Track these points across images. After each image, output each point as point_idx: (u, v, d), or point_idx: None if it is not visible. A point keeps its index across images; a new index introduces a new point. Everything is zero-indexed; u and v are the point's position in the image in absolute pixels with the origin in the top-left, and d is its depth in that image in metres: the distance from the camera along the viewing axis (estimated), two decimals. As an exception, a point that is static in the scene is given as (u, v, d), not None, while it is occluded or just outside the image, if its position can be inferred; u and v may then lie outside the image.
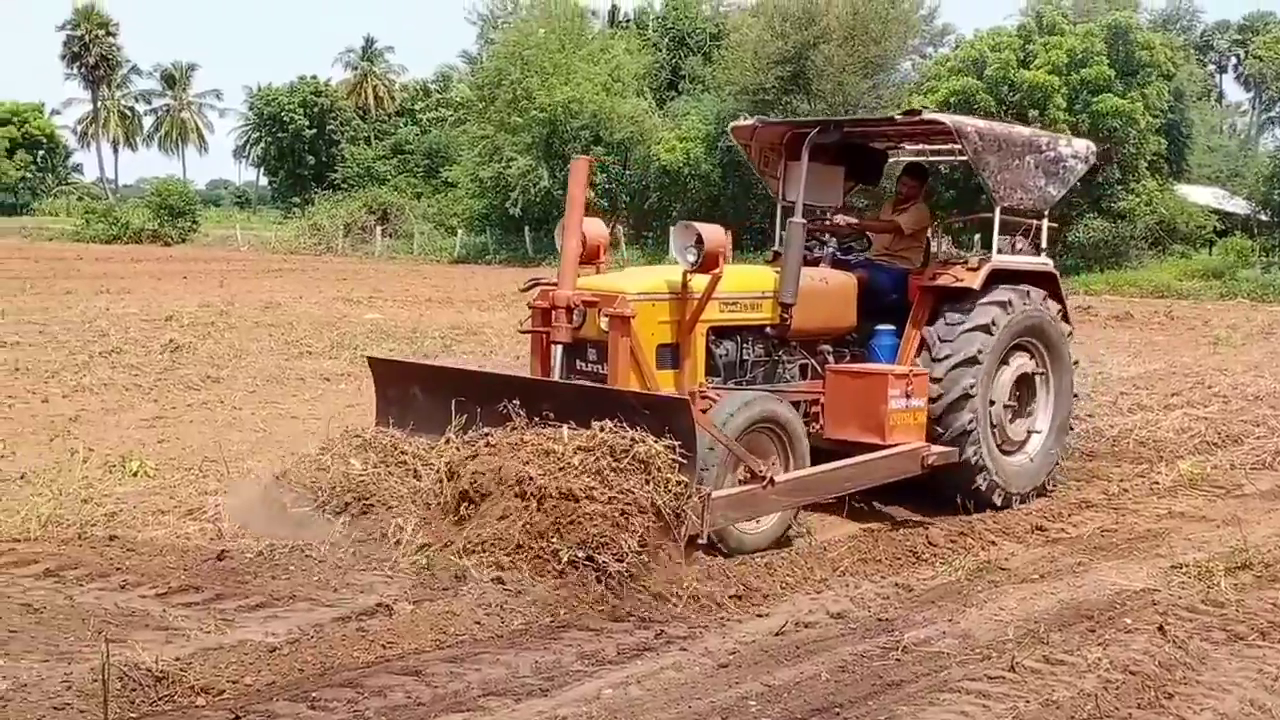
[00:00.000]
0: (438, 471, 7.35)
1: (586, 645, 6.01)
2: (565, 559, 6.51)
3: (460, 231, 57.74)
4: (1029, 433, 9.82)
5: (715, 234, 8.09)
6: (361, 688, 5.38)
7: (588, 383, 8.06)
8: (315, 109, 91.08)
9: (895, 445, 8.63)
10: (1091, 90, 42.27)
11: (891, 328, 9.43)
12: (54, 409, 12.20)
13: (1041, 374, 9.87)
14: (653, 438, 6.93)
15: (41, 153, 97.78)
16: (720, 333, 8.70)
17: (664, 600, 6.61)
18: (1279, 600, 7.14)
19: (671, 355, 8.32)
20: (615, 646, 6.02)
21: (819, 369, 9.17)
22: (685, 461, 6.94)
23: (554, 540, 6.57)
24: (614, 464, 6.79)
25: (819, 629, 6.50)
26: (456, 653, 5.82)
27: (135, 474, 9.16)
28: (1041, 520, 9.14)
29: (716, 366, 8.67)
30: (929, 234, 10.35)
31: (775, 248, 10.07)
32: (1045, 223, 10.06)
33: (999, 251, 9.62)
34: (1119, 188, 44.58)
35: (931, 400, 8.96)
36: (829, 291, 9.28)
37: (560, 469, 6.76)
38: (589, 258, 8.75)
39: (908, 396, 8.74)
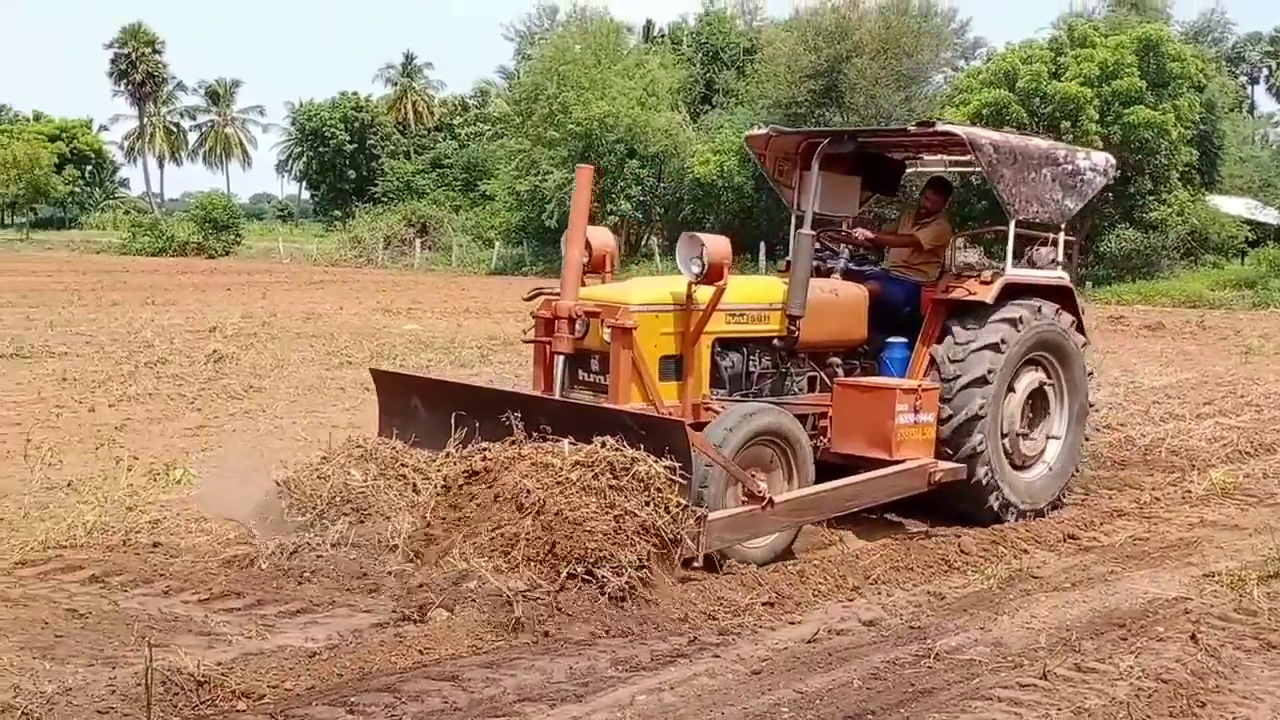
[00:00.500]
0: (435, 485, 7.23)
1: (621, 651, 6.00)
2: (564, 572, 6.36)
3: (497, 244, 57.90)
4: (1043, 448, 9.62)
5: (719, 245, 7.96)
6: (399, 693, 5.39)
7: (587, 400, 7.95)
8: (356, 124, 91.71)
9: (903, 460, 8.43)
10: (1123, 102, 41.96)
11: (903, 341, 9.25)
12: (100, 418, 12.30)
13: (1055, 388, 9.65)
14: (653, 457, 6.78)
15: (89, 168, 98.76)
16: (726, 344, 8.55)
17: (664, 618, 6.46)
18: (1312, 609, 7.07)
19: (675, 367, 8.18)
20: (649, 653, 6.01)
21: (828, 381, 9.00)
22: (684, 483, 6.81)
23: (552, 553, 6.42)
24: (613, 481, 6.64)
25: (851, 636, 6.46)
26: (492, 659, 5.81)
27: (179, 482, 9.21)
28: (1074, 529, 9.05)
29: (722, 378, 8.52)
30: (948, 249, 10.13)
31: (788, 258, 9.96)
32: (1063, 236, 9.86)
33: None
34: (1151, 199, 44.28)
35: (941, 421, 8.76)
36: (838, 303, 9.12)
37: (557, 483, 6.61)
38: (596, 267, 8.64)
39: (916, 411, 8.49)
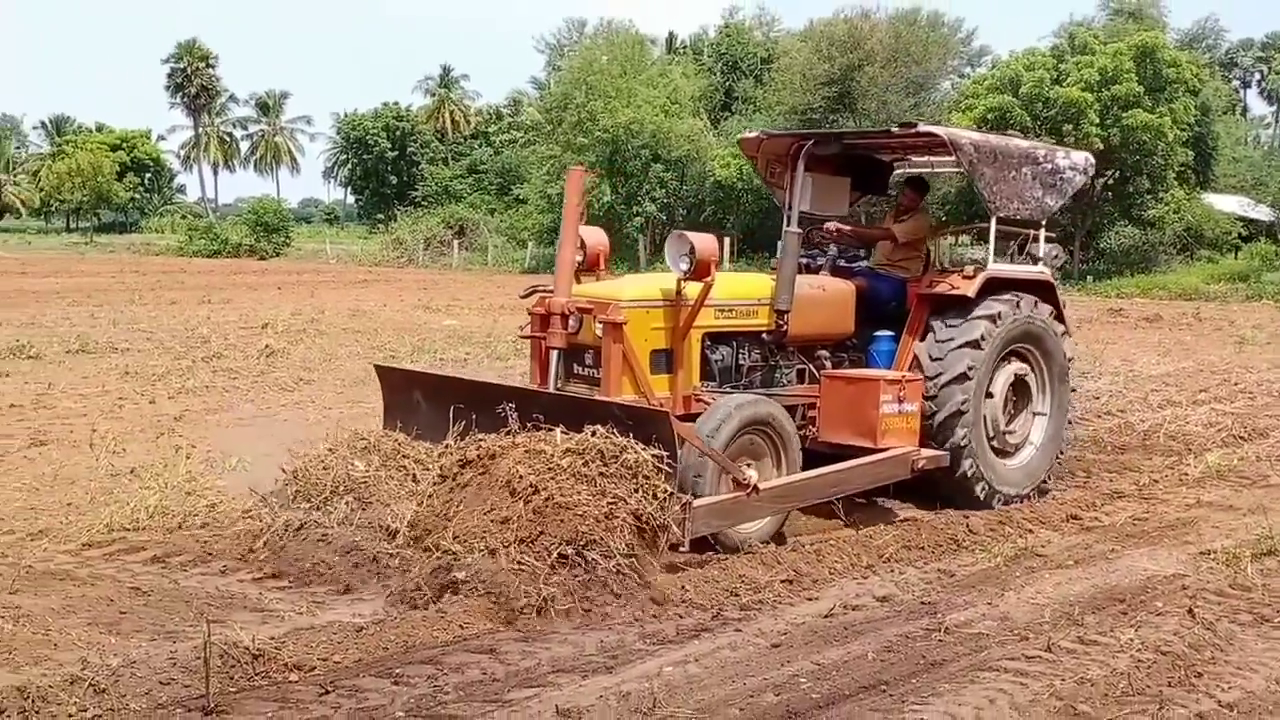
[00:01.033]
0: (433, 474, 7.13)
1: (648, 626, 6.02)
2: (554, 554, 6.20)
3: (530, 244, 57.87)
4: (1027, 435, 9.51)
5: (707, 243, 7.89)
6: (441, 665, 5.41)
7: (581, 392, 7.85)
8: (397, 133, 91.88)
9: (887, 449, 8.28)
10: (1122, 106, 41.76)
11: (890, 334, 9.16)
12: (160, 409, 12.37)
13: (1036, 377, 9.52)
14: (641, 445, 6.66)
15: (149, 175, 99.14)
16: (716, 338, 8.44)
17: (653, 602, 6.31)
18: (1303, 585, 7.02)
19: (666, 360, 8.06)
20: (675, 627, 6.02)
21: (816, 374, 8.89)
22: (670, 470, 6.69)
23: (544, 535, 6.26)
24: (603, 468, 6.51)
25: (866, 611, 6.46)
26: (528, 633, 5.83)
27: (234, 468, 9.25)
28: (1076, 509, 9.01)
29: (713, 371, 8.40)
30: (928, 243, 9.99)
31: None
32: (1043, 232, 9.68)
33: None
34: (1149, 197, 44.17)
35: (926, 417, 8.66)
36: (826, 299, 9.02)
37: (549, 469, 6.48)
38: (590, 265, 8.57)
39: (900, 401, 8.38)
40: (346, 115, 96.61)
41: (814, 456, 8.22)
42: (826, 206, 9.63)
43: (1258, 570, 7.24)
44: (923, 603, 6.63)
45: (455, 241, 60.50)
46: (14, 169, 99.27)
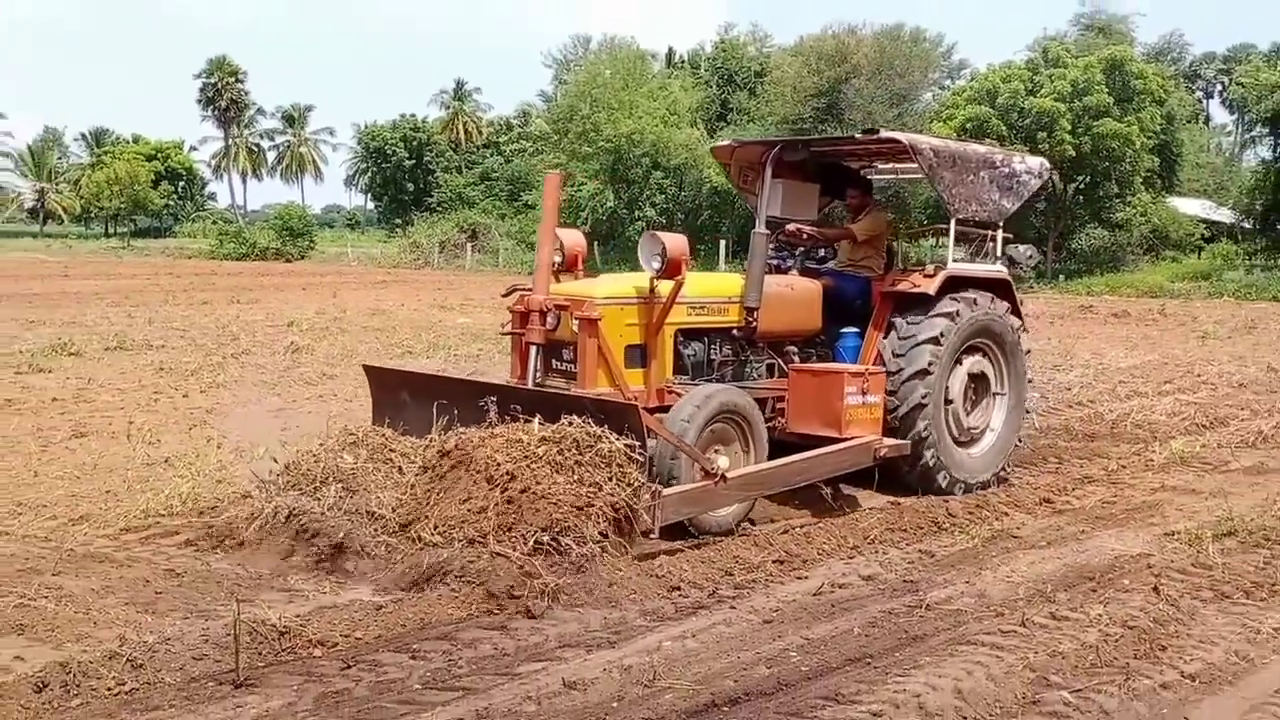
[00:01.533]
0: (417, 466, 7.04)
1: (647, 604, 6.02)
2: (530, 541, 6.10)
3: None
4: (987, 424, 9.40)
5: (678, 243, 7.82)
6: (455, 640, 5.42)
7: (559, 386, 7.76)
8: (414, 143, 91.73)
9: (852, 438, 8.18)
10: (1092, 115, 41.71)
11: (856, 330, 9.06)
12: (193, 402, 12.38)
13: (995, 370, 9.42)
14: (615, 434, 6.60)
15: (181, 183, 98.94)
16: (689, 334, 8.33)
17: (620, 588, 6.17)
18: (1261, 563, 7.02)
19: (640, 355, 7.95)
20: (673, 605, 6.02)
21: (785, 368, 8.77)
22: (641, 460, 6.62)
23: (519, 522, 6.18)
24: (579, 457, 6.44)
25: (852, 589, 6.46)
26: (535, 612, 5.82)
27: (262, 458, 9.25)
28: (1049, 494, 9.00)
29: (686, 366, 8.29)
30: (888, 242, 9.86)
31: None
32: (1000, 233, 9.58)
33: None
34: (1117, 201, 44.19)
35: (889, 411, 8.57)
36: (794, 297, 8.93)
37: (525, 457, 6.41)
38: (568, 266, 8.47)
39: (864, 393, 8.27)
40: (366, 127, 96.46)
41: (787, 448, 8.10)
42: (796, 211, 9.51)
43: (1218, 550, 7.24)
44: (905, 581, 6.63)
45: (468, 245, 60.43)
46: (56, 178, 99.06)
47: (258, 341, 18.42)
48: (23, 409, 11.68)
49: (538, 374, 7.77)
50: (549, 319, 7.72)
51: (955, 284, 9.01)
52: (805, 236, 9.50)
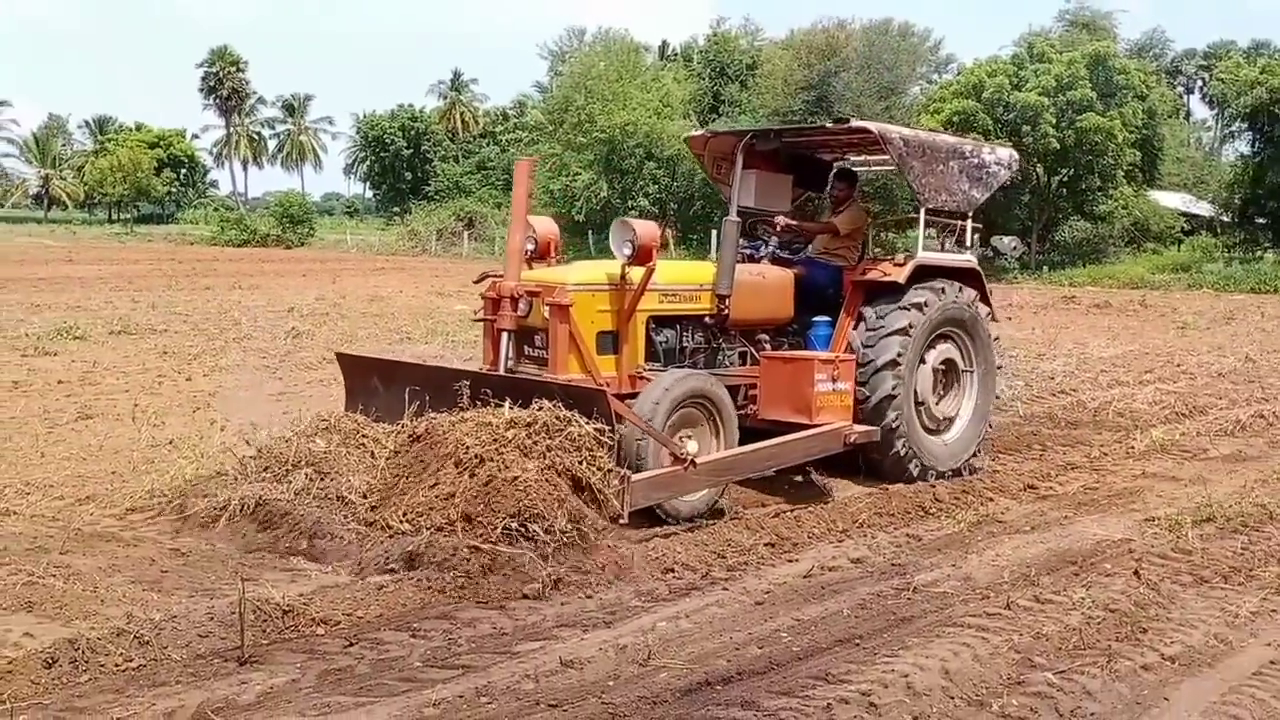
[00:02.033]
0: (388, 451, 6.94)
1: (643, 585, 6.03)
2: (499, 528, 5.93)
3: (534, 235, 57.76)
4: (956, 411, 9.32)
5: (649, 230, 7.76)
6: (455, 619, 5.43)
7: (530, 373, 7.62)
8: (412, 132, 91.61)
9: (822, 424, 8.09)
10: (1076, 109, 41.74)
11: (828, 319, 8.97)
12: (196, 386, 12.36)
13: (964, 357, 9.33)
14: (584, 419, 6.48)
15: (184, 171, 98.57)
16: (661, 321, 8.18)
17: (595, 573, 6.03)
18: (1239, 549, 7.06)
19: (612, 341, 7.82)
20: (667, 587, 6.03)
21: (757, 356, 8.67)
22: (610, 445, 6.50)
23: (488, 509, 6.00)
24: (549, 441, 6.28)
25: (841, 572, 6.48)
26: (532, 593, 5.83)
27: (263, 441, 9.23)
28: (1032, 480, 9.03)
29: (658, 352, 8.15)
30: (866, 233, 9.80)
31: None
32: (970, 223, 9.47)
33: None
34: (1099, 194, 44.19)
35: (859, 401, 8.48)
36: (766, 285, 8.83)
37: (494, 440, 6.23)
38: (542, 253, 8.36)
39: (834, 380, 8.20)
40: (365, 116, 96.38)
41: (761, 435, 8.00)
42: (769, 202, 9.45)
43: (1198, 535, 7.27)
44: (893, 564, 6.65)
45: (465, 232, 60.37)
46: (60, 165, 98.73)
47: (259, 326, 18.38)
48: (29, 391, 11.65)
49: (509, 360, 7.65)
50: (520, 305, 7.57)
51: (925, 273, 8.94)
52: (786, 229, 9.38)
